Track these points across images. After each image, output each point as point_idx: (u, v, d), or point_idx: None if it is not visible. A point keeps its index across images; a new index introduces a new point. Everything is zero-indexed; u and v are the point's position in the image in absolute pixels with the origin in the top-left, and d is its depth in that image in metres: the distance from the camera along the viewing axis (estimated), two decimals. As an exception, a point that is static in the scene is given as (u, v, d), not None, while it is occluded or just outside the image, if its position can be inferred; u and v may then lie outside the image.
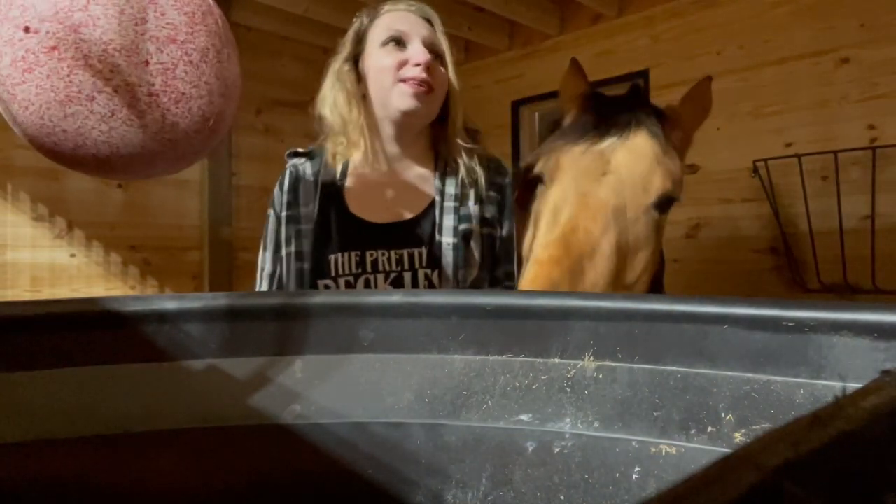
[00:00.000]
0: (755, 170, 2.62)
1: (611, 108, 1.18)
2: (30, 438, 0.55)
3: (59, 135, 0.57)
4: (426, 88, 1.05)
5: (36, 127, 0.57)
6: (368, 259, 1.07)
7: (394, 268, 1.07)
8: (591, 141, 1.09)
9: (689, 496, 0.18)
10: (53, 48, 0.55)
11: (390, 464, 0.60)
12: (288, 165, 1.18)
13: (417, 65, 1.04)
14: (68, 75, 0.55)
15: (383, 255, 1.07)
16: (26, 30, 0.54)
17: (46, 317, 0.59)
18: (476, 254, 1.10)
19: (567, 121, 1.24)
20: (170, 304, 0.62)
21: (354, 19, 1.15)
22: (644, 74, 3.09)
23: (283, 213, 1.12)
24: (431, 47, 1.07)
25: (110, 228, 2.94)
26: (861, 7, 2.44)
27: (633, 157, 1.07)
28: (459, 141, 1.13)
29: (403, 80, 1.05)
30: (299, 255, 1.09)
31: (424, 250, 1.08)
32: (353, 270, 1.07)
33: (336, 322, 0.64)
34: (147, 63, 0.57)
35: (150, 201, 3.06)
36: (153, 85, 0.57)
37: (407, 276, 1.07)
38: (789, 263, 2.56)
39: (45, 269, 2.76)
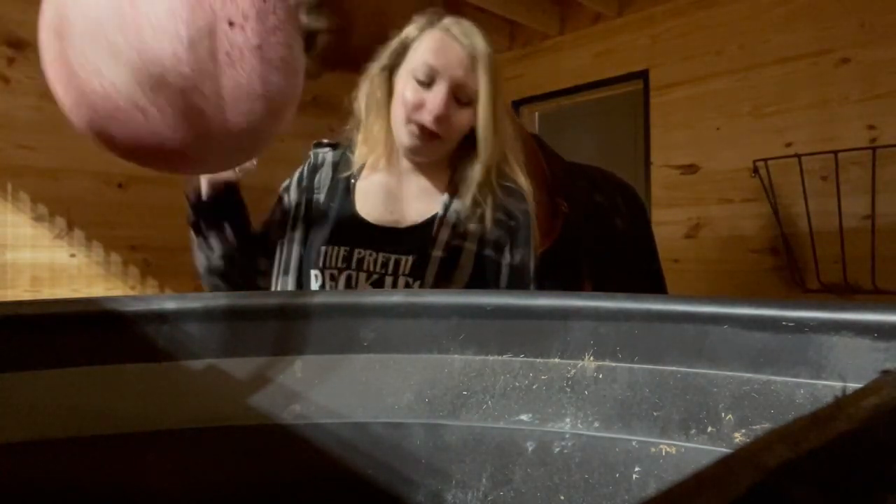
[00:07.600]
0: (755, 170, 2.62)
1: None
2: (30, 438, 0.55)
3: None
4: (432, 137, 1.05)
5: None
6: (356, 256, 1.08)
7: (378, 269, 1.07)
8: None
9: (689, 496, 0.18)
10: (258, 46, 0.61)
11: (390, 464, 0.60)
12: (311, 153, 1.21)
13: (430, 114, 1.03)
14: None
15: (371, 255, 1.08)
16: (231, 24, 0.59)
17: (46, 317, 0.59)
18: (465, 273, 1.08)
19: None
20: (170, 304, 0.62)
21: (411, 23, 1.12)
22: (644, 74, 3.09)
23: (295, 198, 1.15)
24: (460, 90, 1.05)
25: (110, 228, 2.93)
26: (861, 7, 2.44)
27: None
28: (481, 176, 1.10)
29: (414, 122, 1.04)
30: (305, 242, 1.12)
31: (411, 259, 1.07)
32: (339, 265, 1.07)
33: (336, 322, 0.64)
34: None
35: (150, 201, 3.06)
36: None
37: (388, 281, 1.07)
38: (789, 263, 2.56)
39: (45, 269, 2.75)
